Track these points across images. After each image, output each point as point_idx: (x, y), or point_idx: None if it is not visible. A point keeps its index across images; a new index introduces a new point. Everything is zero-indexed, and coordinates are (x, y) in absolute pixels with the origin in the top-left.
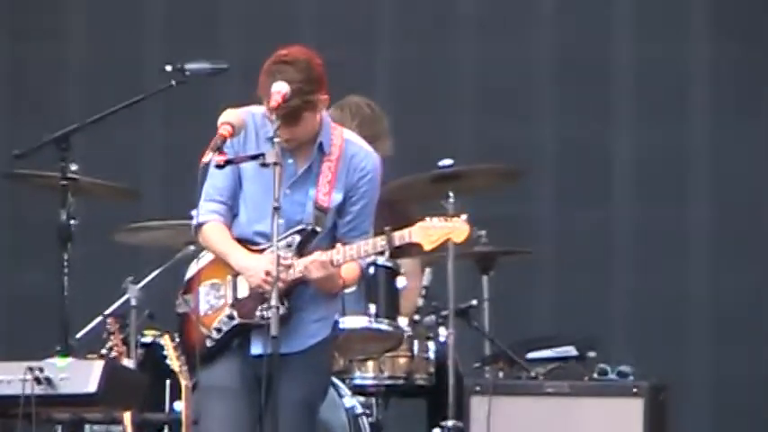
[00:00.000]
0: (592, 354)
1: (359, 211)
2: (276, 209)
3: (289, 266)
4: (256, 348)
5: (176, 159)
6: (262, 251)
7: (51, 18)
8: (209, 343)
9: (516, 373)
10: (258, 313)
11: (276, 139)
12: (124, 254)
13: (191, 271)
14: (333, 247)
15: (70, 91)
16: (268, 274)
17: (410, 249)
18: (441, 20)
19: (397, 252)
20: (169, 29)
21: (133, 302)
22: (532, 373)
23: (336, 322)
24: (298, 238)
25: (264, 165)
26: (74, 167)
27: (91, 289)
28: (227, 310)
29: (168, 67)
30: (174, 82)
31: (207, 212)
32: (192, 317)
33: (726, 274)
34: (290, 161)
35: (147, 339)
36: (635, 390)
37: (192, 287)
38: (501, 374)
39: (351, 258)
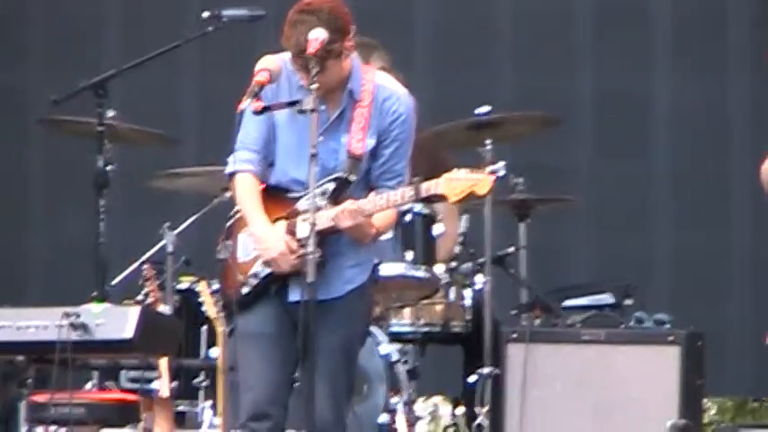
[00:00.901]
0: (628, 302)
1: (391, 154)
2: (314, 155)
3: (302, 246)
4: (294, 295)
5: (213, 106)
6: (297, 199)
7: None
8: (245, 290)
9: (553, 321)
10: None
11: (313, 86)
12: (161, 200)
13: (232, 218)
14: (368, 191)
15: (108, 37)
16: (283, 255)
17: (437, 199)
18: None
19: (426, 201)
20: None
21: (169, 249)
22: (569, 321)
23: (375, 267)
24: (332, 186)
25: (302, 111)
26: (111, 113)
27: (127, 235)
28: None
29: (205, 14)
30: (211, 28)
31: (240, 162)
32: (231, 264)
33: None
34: (323, 107)
35: (183, 286)
36: (671, 338)
37: (233, 234)
38: (537, 322)
39: (380, 208)
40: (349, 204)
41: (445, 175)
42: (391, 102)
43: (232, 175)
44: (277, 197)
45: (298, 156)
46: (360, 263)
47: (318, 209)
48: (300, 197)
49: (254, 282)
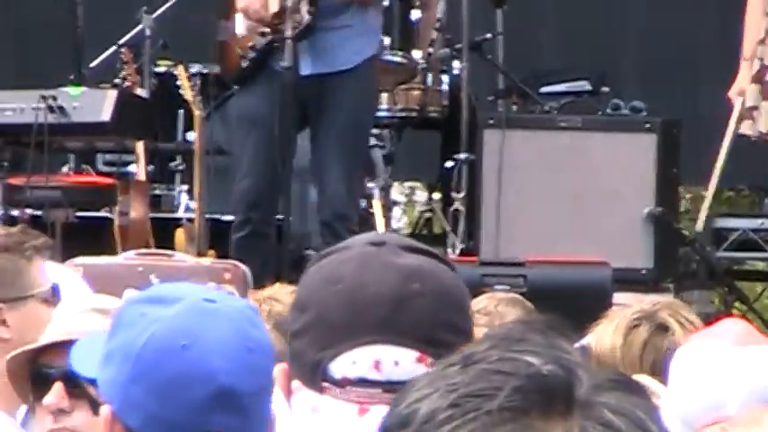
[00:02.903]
0: (605, 89)
1: None
2: None
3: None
4: (305, 68)
5: None
6: None
7: None
8: (243, 63)
9: (529, 107)
10: (290, 26)
11: None
12: None
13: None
14: None
15: None
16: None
17: None
18: None
19: None
20: None
21: (147, 33)
22: (545, 107)
23: (381, 41)
24: None
25: None
26: None
27: (104, 18)
28: (260, 28)
29: None
30: None
31: None
32: (230, 43)
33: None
34: None
35: (161, 69)
36: (648, 125)
37: (229, 13)
38: (514, 108)
39: None
40: None
41: None
42: None
43: None
44: None
45: None
46: (368, 32)
47: None
48: None
49: (251, 54)
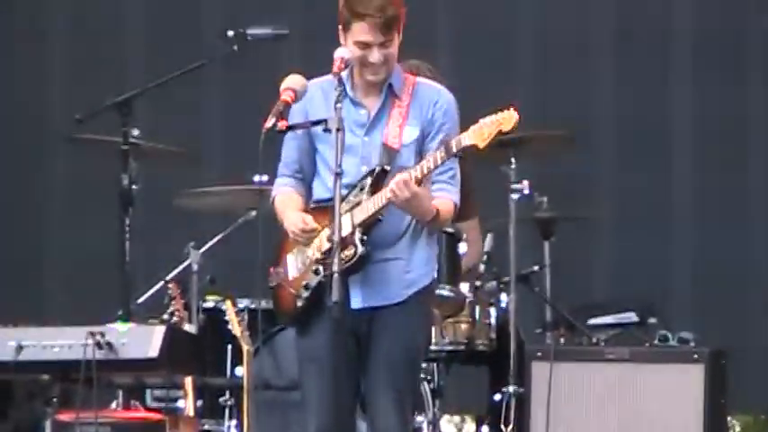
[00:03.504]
0: (652, 320)
1: (438, 145)
2: (338, 174)
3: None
4: (356, 302)
5: (237, 124)
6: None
7: None
8: (299, 303)
9: (577, 339)
10: (342, 261)
11: (338, 105)
12: (185, 219)
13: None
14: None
15: (132, 55)
16: (303, 222)
17: (469, 150)
18: None
19: (459, 155)
20: None
21: (194, 268)
22: (593, 339)
23: (434, 272)
24: (369, 180)
25: (327, 130)
26: (135, 132)
27: (152, 254)
28: (314, 266)
29: (230, 32)
30: (235, 47)
31: (279, 186)
32: (283, 285)
33: None
34: (363, 111)
35: (209, 304)
36: (695, 356)
37: (281, 257)
38: (562, 340)
39: (427, 170)
40: (399, 175)
41: (471, 128)
42: (431, 93)
43: (273, 201)
44: (322, 210)
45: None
46: (420, 265)
47: (358, 203)
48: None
49: (305, 293)
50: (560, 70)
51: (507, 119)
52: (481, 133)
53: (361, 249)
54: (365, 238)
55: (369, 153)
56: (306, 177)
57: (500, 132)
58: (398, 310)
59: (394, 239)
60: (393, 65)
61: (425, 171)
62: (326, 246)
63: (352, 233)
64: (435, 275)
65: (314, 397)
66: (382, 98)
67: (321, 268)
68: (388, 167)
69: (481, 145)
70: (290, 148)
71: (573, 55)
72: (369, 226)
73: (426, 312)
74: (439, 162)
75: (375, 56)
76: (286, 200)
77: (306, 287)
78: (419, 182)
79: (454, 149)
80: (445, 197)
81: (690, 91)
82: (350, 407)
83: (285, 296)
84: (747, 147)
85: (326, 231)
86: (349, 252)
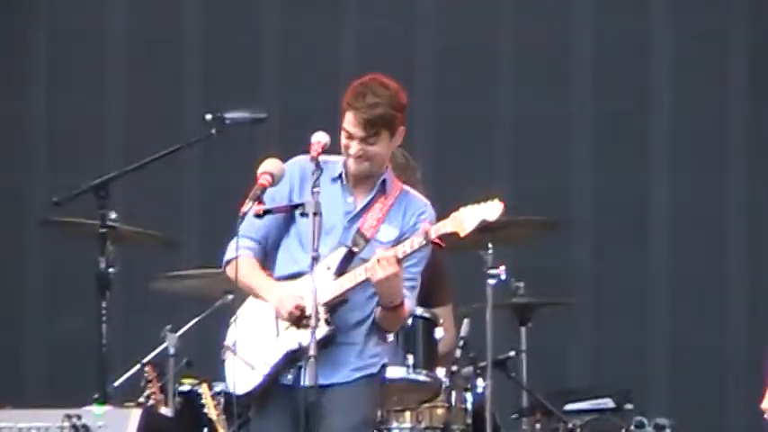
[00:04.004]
0: (629, 406)
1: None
2: (315, 258)
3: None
4: (308, 379)
5: (215, 208)
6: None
7: (90, 67)
8: (257, 380)
9: (553, 425)
10: (300, 340)
11: (315, 189)
12: (162, 302)
13: (229, 335)
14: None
15: (109, 138)
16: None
17: (449, 237)
18: (479, 75)
19: (437, 244)
20: (207, 77)
21: (171, 351)
22: (570, 425)
23: (384, 366)
24: (338, 259)
25: (304, 215)
26: (113, 215)
27: (129, 337)
28: (276, 343)
29: (208, 116)
30: (213, 131)
31: (241, 248)
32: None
33: (765, 330)
34: (350, 199)
35: (185, 388)
36: None
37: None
38: (538, 426)
39: (402, 254)
40: (381, 252)
41: (452, 214)
42: (417, 203)
43: (229, 261)
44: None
45: (308, 244)
46: (371, 355)
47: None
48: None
49: (266, 370)
50: (536, 156)
51: (492, 209)
52: (461, 222)
53: (326, 330)
54: (329, 318)
55: (346, 239)
56: (267, 248)
57: (483, 221)
58: (343, 390)
59: (355, 324)
60: (378, 163)
61: (406, 253)
62: (284, 325)
63: (317, 313)
64: (382, 366)
65: None
66: (373, 193)
67: (292, 350)
68: (356, 249)
69: (462, 233)
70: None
71: (549, 140)
72: (334, 307)
73: (373, 395)
74: (416, 247)
75: (353, 148)
76: (255, 268)
77: (266, 363)
78: (400, 261)
79: (433, 236)
80: (405, 303)
81: (666, 178)
82: None
83: (240, 372)
84: (725, 232)
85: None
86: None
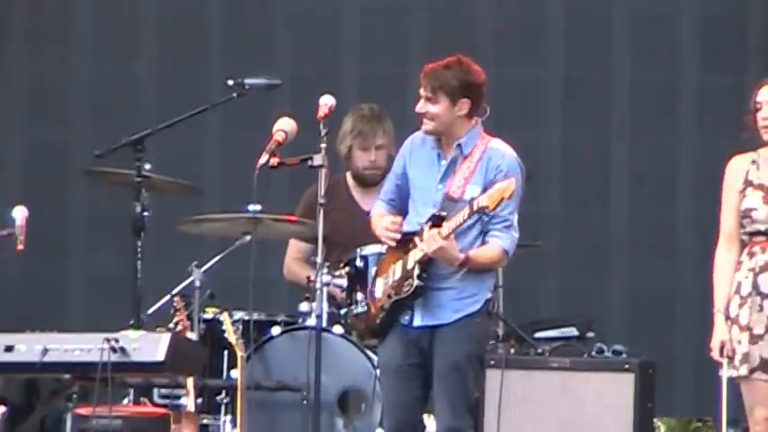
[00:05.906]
0: (590, 334)
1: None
2: (321, 204)
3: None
4: (417, 320)
5: (234, 161)
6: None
7: (128, 37)
8: (377, 320)
9: (525, 350)
10: (405, 288)
11: (322, 145)
12: (189, 242)
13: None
14: (483, 241)
15: (143, 100)
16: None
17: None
18: (464, 41)
19: (478, 213)
20: (229, 48)
21: (197, 284)
22: (539, 350)
23: (488, 301)
24: (429, 225)
25: (312, 167)
26: (147, 166)
27: (160, 272)
28: (389, 291)
29: (230, 82)
30: (235, 94)
31: (374, 208)
32: (370, 305)
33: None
34: (443, 162)
35: (208, 316)
36: (627, 366)
37: (374, 282)
38: (512, 351)
39: (453, 228)
40: (429, 232)
41: (487, 191)
42: (496, 159)
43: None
44: (405, 241)
45: (424, 201)
46: (469, 295)
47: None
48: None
49: (382, 313)
50: (513, 116)
51: (508, 187)
52: (491, 197)
53: (416, 282)
54: (422, 272)
55: (437, 204)
56: (397, 207)
57: (502, 198)
58: (446, 330)
59: (447, 274)
60: (440, 123)
61: (453, 227)
62: (398, 275)
63: (413, 268)
64: (484, 302)
65: (388, 399)
66: (451, 156)
67: (393, 292)
68: (444, 214)
69: (492, 207)
70: (390, 183)
71: (525, 102)
72: (425, 263)
73: (475, 332)
74: (464, 219)
75: (419, 105)
76: (377, 216)
77: (382, 309)
78: (446, 237)
79: (475, 208)
80: (494, 242)
81: (627, 137)
82: (415, 407)
83: (370, 314)
84: (676, 184)
85: (399, 264)
86: (409, 283)
